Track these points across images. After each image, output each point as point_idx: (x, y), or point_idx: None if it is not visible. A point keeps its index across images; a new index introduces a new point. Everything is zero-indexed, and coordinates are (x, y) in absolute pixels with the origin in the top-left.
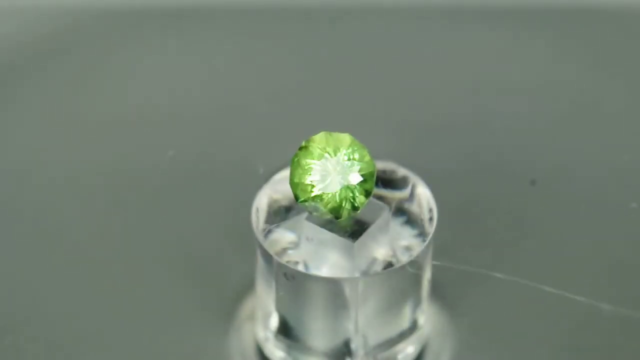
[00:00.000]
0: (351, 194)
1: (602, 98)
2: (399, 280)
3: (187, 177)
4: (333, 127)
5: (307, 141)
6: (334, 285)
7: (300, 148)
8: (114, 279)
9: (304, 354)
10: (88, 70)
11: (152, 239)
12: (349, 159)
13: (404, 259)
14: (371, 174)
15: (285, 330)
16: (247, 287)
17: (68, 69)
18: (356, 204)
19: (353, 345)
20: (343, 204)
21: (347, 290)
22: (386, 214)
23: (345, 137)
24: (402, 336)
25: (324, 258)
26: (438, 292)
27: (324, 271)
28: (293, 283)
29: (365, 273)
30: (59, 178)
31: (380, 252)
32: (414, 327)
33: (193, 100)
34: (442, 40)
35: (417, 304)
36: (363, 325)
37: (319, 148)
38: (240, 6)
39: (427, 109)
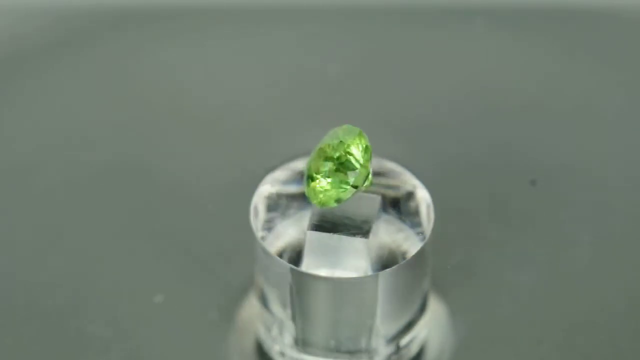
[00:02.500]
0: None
1: (602, 98)
2: (412, 271)
3: (186, 176)
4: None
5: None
6: (358, 285)
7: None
8: (114, 278)
9: (311, 354)
10: (87, 70)
11: (151, 238)
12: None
13: (411, 250)
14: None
15: (307, 340)
16: (247, 287)
17: (67, 69)
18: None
19: (377, 340)
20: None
21: (366, 288)
22: (379, 203)
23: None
24: (415, 321)
25: (333, 263)
26: (438, 291)
27: (344, 274)
28: (301, 285)
29: (379, 269)
30: (58, 182)
31: (380, 244)
32: (424, 308)
33: (193, 100)
34: (441, 40)
35: (427, 287)
36: (385, 319)
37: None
38: (241, 6)
39: (426, 108)
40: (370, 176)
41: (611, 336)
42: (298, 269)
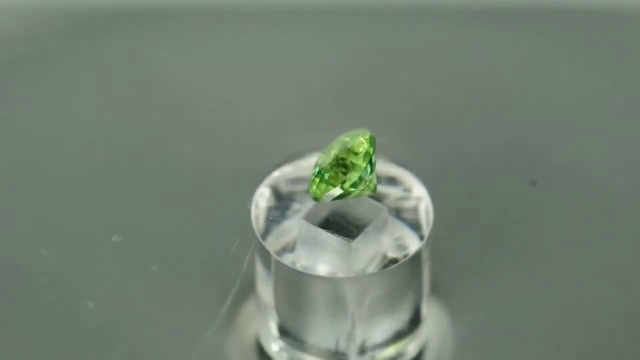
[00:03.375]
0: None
1: (602, 98)
2: (398, 278)
3: (186, 175)
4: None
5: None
6: (330, 285)
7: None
8: (113, 278)
9: (304, 353)
10: (87, 70)
11: (151, 238)
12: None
13: (401, 256)
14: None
15: (285, 329)
16: (247, 287)
17: (67, 69)
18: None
19: (350, 345)
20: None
21: (344, 290)
22: (384, 214)
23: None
24: (402, 334)
25: (320, 258)
26: (438, 292)
27: (321, 270)
28: (291, 282)
29: (361, 273)
30: (57, 182)
31: (378, 252)
32: (416, 322)
33: (193, 100)
34: (442, 39)
35: (418, 299)
36: (361, 324)
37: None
38: (241, 6)
39: (426, 107)
40: (370, 183)
41: (611, 336)
42: (278, 257)
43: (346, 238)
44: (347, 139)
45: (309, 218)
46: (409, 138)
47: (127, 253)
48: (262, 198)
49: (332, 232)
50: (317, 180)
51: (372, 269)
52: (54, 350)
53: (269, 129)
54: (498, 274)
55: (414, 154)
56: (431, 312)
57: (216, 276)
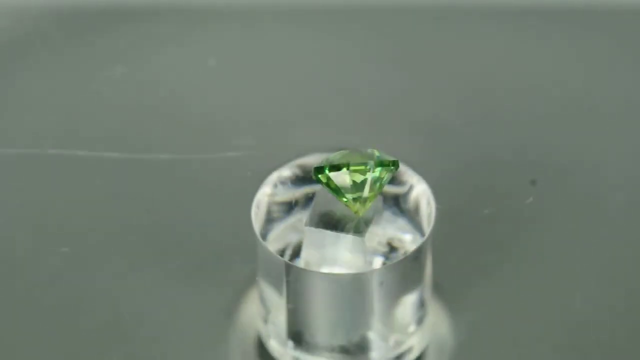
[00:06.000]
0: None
1: (602, 97)
2: (408, 269)
3: (187, 175)
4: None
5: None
6: (349, 282)
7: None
8: (114, 278)
9: (312, 352)
10: (86, 69)
11: (152, 237)
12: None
13: (407, 248)
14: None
15: (296, 330)
16: (247, 287)
17: (66, 68)
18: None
19: (372, 339)
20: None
21: (364, 284)
22: (358, 241)
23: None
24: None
25: (332, 260)
26: (438, 292)
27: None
28: (303, 283)
29: (376, 266)
30: (58, 181)
31: (375, 245)
32: (361, 349)
33: (193, 99)
34: (442, 40)
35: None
36: (379, 317)
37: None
38: (242, 6)
39: (427, 107)
40: (356, 203)
41: (611, 336)
42: (260, 238)
43: (307, 222)
44: (355, 159)
45: (359, 231)
46: (412, 138)
47: (127, 252)
48: (263, 199)
49: (311, 212)
50: (329, 160)
51: (314, 264)
52: (54, 350)
53: (270, 130)
54: (498, 274)
55: (415, 154)
56: (431, 312)
57: (217, 276)
